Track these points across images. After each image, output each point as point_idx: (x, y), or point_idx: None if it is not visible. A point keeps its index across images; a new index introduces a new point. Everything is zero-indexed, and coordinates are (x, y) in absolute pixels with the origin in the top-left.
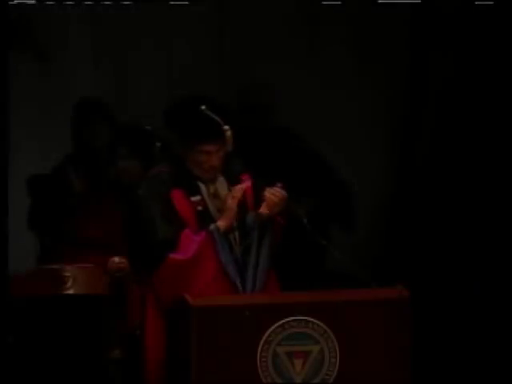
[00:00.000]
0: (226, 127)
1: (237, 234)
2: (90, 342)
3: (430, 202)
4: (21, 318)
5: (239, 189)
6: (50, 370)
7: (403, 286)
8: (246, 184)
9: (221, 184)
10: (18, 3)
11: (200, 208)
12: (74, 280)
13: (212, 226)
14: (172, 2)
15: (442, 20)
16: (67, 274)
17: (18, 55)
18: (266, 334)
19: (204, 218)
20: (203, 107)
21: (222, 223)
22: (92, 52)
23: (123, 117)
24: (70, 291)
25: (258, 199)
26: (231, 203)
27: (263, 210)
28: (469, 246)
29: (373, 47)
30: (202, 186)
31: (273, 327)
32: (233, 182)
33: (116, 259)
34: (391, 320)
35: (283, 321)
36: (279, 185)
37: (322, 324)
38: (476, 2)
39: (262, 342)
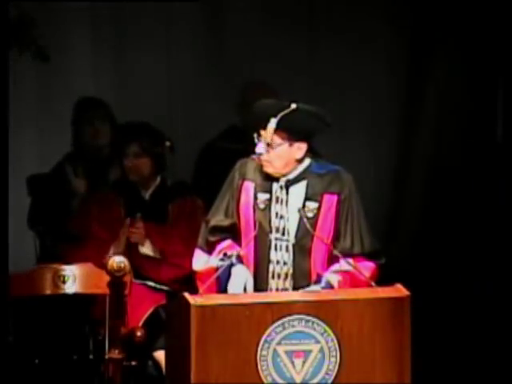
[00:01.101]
0: (274, 120)
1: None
2: (89, 341)
3: (429, 202)
4: (21, 317)
5: None
6: (49, 369)
7: (403, 285)
8: None
9: (295, 192)
10: (18, 3)
11: (262, 207)
12: (74, 279)
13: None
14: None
15: (442, 17)
16: (67, 274)
17: (18, 55)
18: (266, 333)
19: (263, 219)
20: (293, 105)
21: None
22: (92, 52)
23: (123, 117)
24: (70, 291)
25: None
26: None
27: None
28: (469, 245)
29: (372, 45)
30: (275, 186)
31: (273, 326)
32: (312, 197)
33: (116, 259)
34: (391, 319)
35: (283, 320)
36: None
37: (322, 323)
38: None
39: (261, 341)
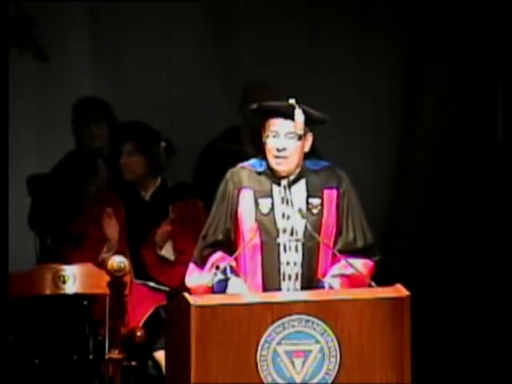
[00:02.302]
0: (299, 110)
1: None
2: (89, 341)
3: (429, 202)
4: (21, 317)
5: None
6: (49, 369)
7: (403, 285)
8: None
9: (297, 190)
10: (18, 3)
11: (266, 211)
12: (74, 279)
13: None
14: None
15: (441, 18)
16: (67, 274)
17: (18, 55)
18: (266, 333)
19: (268, 223)
20: (292, 100)
21: None
22: (92, 52)
23: (123, 117)
24: (70, 291)
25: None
26: None
27: None
28: (469, 245)
29: (371, 48)
30: (275, 188)
31: (273, 326)
32: (314, 194)
33: (116, 259)
34: (391, 319)
35: (283, 320)
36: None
37: (322, 323)
38: None
39: (261, 341)
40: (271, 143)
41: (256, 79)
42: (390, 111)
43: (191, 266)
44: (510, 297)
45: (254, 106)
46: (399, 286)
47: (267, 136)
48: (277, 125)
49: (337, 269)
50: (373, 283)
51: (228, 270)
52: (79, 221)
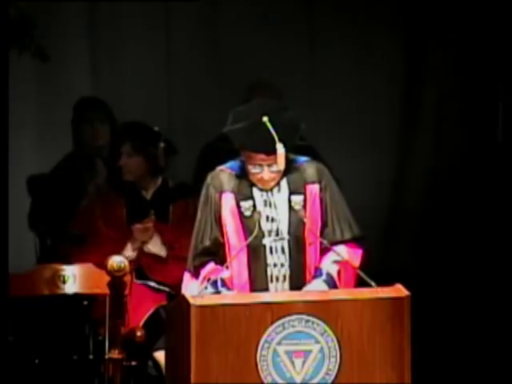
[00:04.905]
0: (280, 145)
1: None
2: (89, 341)
3: (430, 202)
4: (21, 317)
5: None
6: (49, 369)
7: (403, 285)
8: None
9: (279, 191)
10: (18, 3)
11: (248, 214)
12: (74, 279)
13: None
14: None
15: (440, 18)
16: (67, 274)
17: (18, 55)
18: (266, 333)
19: (252, 225)
20: (265, 119)
21: None
22: (91, 52)
23: (122, 117)
24: (70, 291)
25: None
26: None
27: None
28: (469, 245)
29: (371, 51)
30: (256, 191)
31: (273, 326)
32: (296, 191)
33: (116, 258)
34: (391, 320)
35: (283, 320)
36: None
37: (322, 323)
38: None
39: (261, 341)
40: (255, 173)
41: (257, 79)
42: (390, 111)
43: (186, 275)
44: (510, 296)
45: (236, 143)
46: (399, 286)
47: (248, 161)
48: (259, 159)
49: (331, 256)
50: (372, 283)
51: (219, 284)
52: (81, 219)
